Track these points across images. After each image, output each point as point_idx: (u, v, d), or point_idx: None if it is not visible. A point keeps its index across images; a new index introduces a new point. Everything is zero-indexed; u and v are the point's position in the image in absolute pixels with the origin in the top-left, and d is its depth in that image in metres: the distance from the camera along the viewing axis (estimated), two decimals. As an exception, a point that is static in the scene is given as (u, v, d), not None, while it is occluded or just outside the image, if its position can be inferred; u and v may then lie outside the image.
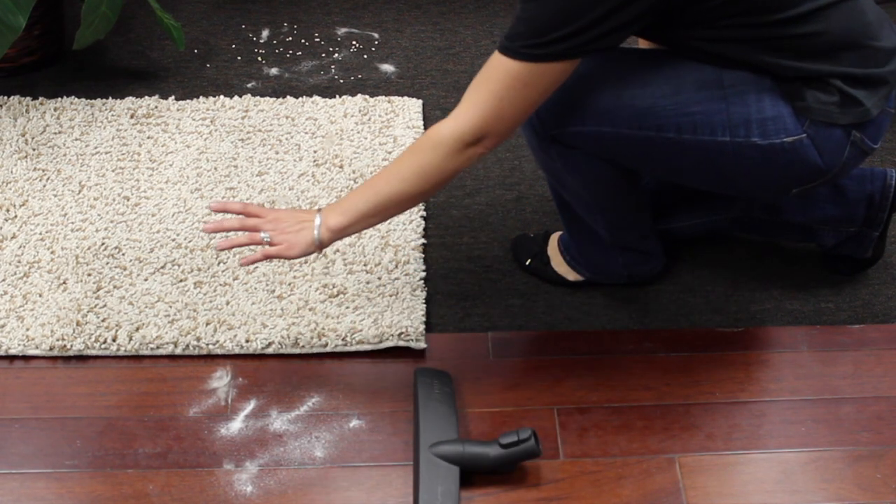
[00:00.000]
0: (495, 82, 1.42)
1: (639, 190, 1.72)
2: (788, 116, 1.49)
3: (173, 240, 1.90)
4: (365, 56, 2.41)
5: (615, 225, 1.74)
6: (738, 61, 1.49)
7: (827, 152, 1.51)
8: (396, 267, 1.87)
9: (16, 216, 1.94)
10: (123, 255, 1.87)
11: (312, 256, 1.87)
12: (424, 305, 1.81)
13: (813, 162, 1.51)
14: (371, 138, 2.14)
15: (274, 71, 2.35)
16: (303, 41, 2.45)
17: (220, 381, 1.69)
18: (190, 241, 1.90)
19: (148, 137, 2.13)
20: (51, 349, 1.71)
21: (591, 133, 1.55)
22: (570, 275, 1.86)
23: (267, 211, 1.60)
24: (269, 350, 1.73)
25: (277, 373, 1.71)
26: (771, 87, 1.49)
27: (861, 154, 1.54)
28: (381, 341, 1.74)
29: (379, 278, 1.85)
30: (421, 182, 1.50)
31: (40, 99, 2.22)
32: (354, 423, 1.64)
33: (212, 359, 1.72)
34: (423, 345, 1.74)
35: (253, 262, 1.60)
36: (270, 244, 1.57)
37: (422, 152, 1.49)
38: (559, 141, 1.58)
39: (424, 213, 1.99)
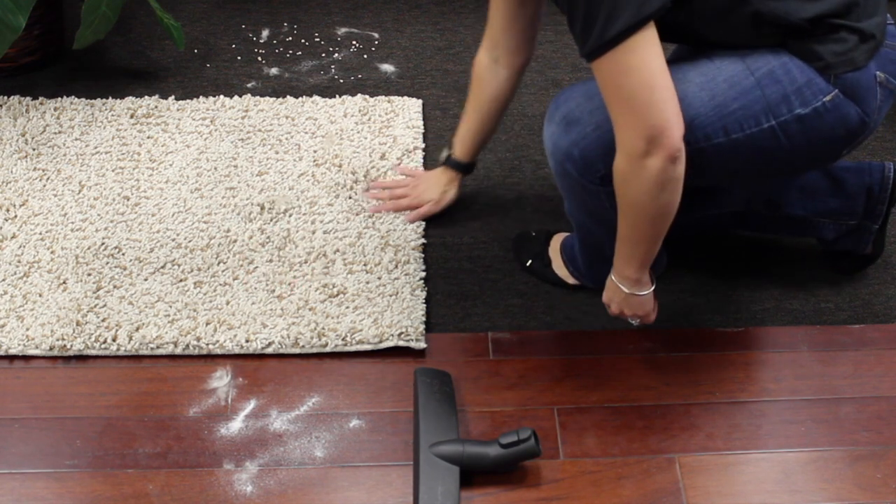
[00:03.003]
0: (607, 91, 1.41)
1: None
2: (817, 77, 1.49)
3: (173, 240, 1.90)
4: (365, 56, 2.41)
5: None
6: (748, 28, 1.48)
7: (861, 99, 1.51)
8: (396, 267, 1.87)
9: (16, 216, 1.94)
10: (123, 255, 1.87)
11: (313, 255, 1.87)
12: (424, 305, 1.81)
13: (854, 113, 1.51)
14: (371, 138, 2.14)
15: (274, 71, 2.35)
16: (303, 41, 2.45)
17: (220, 381, 1.69)
18: (190, 241, 1.90)
19: (148, 137, 2.13)
20: (51, 349, 1.71)
21: None
22: (571, 279, 1.85)
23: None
24: (269, 350, 1.73)
25: (277, 373, 1.71)
26: (790, 57, 1.49)
27: (890, 94, 1.55)
28: (381, 341, 1.74)
29: (379, 278, 1.85)
30: (643, 215, 1.50)
31: (40, 99, 2.22)
32: (354, 423, 1.64)
33: (212, 359, 1.73)
34: (423, 345, 1.74)
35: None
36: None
37: (621, 193, 1.49)
38: (608, 180, 1.53)
39: (424, 213, 2.00)
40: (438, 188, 1.99)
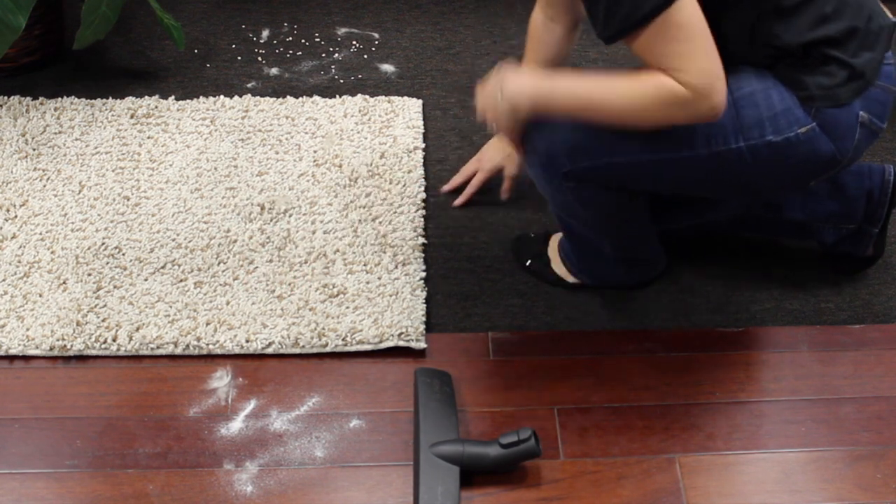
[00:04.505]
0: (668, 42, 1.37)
1: (646, 208, 1.72)
2: (796, 108, 1.49)
3: (173, 240, 1.90)
4: (365, 56, 2.41)
5: (621, 244, 1.75)
6: (742, 39, 1.48)
7: (838, 137, 1.51)
8: (396, 267, 1.87)
9: (16, 216, 1.94)
10: (123, 255, 1.87)
11: (313, 255, 1.87)
12: (424, 305, 1.81)
13: (827, 149, 1.51)
14: (371, 138, 2.14)
15: (274, 71, 2.35)
16: (303, 41, 2.45)
17: (220, 381, 1.69)
18: (190, 241, 1.90)
19: (148, 137, 2.13)
20: (51, 349, 1.71)
21: (605, 164, 1.54)
22: (570, 277, 1.86)
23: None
24: (269, 350, 1.73)
25: (277, 373, 1.71)
26: (774, 83, 1.49)
27: (871, 135, 1.55)
28: (381, 341, 1.74)
29: (379, 278, 1.85)
30: (643, 125, 1.47)
31: (40, 99, 2.22)
32: (354, 423, 1.64)
33: (212, 359, 1.72)
34: (423, 345, 1.74)
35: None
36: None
37: (659, 101, 1.42)
38: (572, 177, 1.57)
39: (424, 213, 1.99)
40: (504, 152, 1.96)
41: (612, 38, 1.40)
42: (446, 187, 2.04)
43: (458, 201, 2.02)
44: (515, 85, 1.52)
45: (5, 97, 2.22)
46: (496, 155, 1.98)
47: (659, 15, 1.34)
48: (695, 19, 1.35)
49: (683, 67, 1.37)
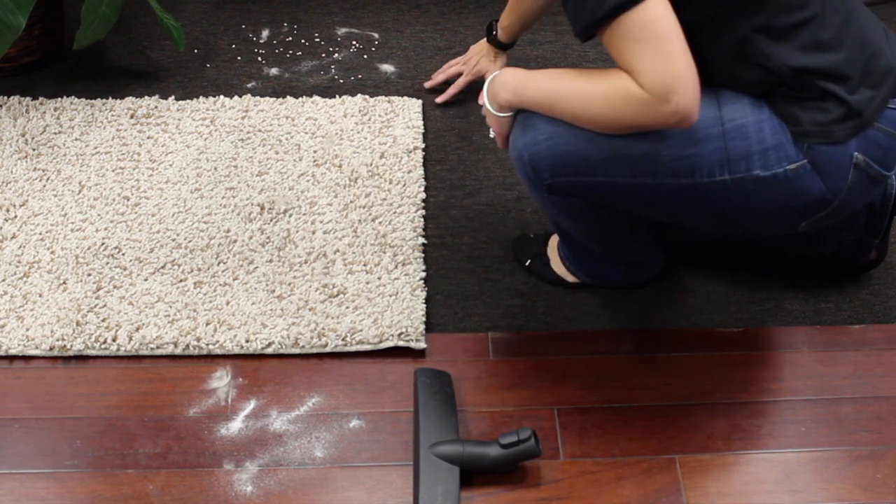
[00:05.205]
0: (629, 42, 1.35)
1: (636, 220, 1.71)
2: (788, 143, 1.45)
3: (173, 240, 1.90)
4: (365, 56, 2.41)
5: (613, 250, 1.75)
6: (729, 56, 1.46)
7: (829, 176, 1.46)
8: (396, 267, 1.87)
9: (16, 216, 1.94)
10: (123, 255, 1.87)
11: (313, 255, 1.87)
12: (424, 305, 1.81)
13: (816, 188, 1.47)
14: (371, 138, 2.14)
15: (274, 71, 2.35)
16: (303, 41, 2.45)
17: (220, 381, 1.69)
18: (190, 241, 1.90)
19: (148, 137, 2.13)
20: (51, 349, 1.71)
21: (586, 183, 1.52)
22: (570, 277, 1.86)
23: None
24: (269, 350, 1.73)
25: (277, 373, 1.71)
26: (770, 116, 1.46)
27: (869, 180, 1.49)
28: (381, 341, 1.74)
29: (379, 278, 1.85)
30: (606, 124, 1.44)
31: (40, 99, 2.22)
32: (354, 423, 1.64)
33: (212, 359, 1.73)
34: (423, 345, 1.74)
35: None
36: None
37: (616, 100, 1.40)
38: (554, 191, 1.56)
39: (424, 213, 1.99)
40: (489, 57, 2.17)
41: (581, 34, 1.39)
42: (428, 84, 2.27)
43: (441, 98, 2.23)
44: (497, 79, 1.57)
45: (5, 97, 2.22)
46: (481, 59, 2.17)
47: (621, 14, 1.32)
48: (660, 19, 1.32)
49: (638, 68, 1.34)
